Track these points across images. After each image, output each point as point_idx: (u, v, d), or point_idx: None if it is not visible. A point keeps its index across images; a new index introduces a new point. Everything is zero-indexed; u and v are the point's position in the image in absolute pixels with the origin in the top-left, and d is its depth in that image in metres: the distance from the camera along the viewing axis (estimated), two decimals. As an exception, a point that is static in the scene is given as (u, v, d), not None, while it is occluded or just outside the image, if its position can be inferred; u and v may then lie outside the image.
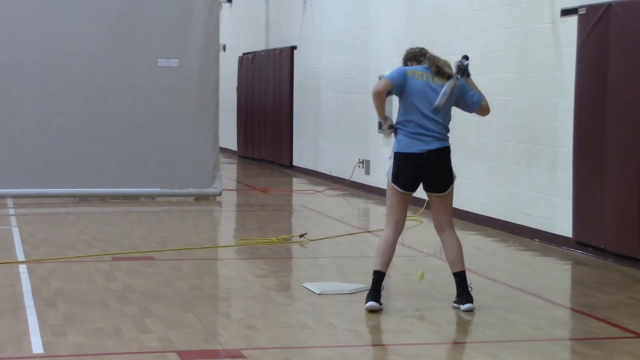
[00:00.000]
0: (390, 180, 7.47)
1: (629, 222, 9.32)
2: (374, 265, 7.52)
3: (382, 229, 11.34)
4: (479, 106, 7.61)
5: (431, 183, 7.48)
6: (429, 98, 7.41)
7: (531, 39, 11.10)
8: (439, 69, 7.45)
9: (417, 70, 7.48)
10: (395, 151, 7.47)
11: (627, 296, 8.16)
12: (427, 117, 7.40)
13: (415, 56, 7.69)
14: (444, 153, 7.45)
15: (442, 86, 7.40)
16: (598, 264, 9.62)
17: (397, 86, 7.43)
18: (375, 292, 7.40)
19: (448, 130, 7.52)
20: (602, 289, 8.46)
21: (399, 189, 7.44)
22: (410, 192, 7.51)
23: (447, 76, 7.43)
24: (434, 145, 7.41)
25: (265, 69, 21.31)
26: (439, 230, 7.62)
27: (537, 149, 10.99)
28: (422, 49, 7.74)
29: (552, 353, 6.44)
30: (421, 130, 7.40)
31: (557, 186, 10.62)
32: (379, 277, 7.44)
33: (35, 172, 14.05)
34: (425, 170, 7.42)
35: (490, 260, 9.83)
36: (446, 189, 7.47)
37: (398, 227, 7.55)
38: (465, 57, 7.55)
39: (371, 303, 7.37)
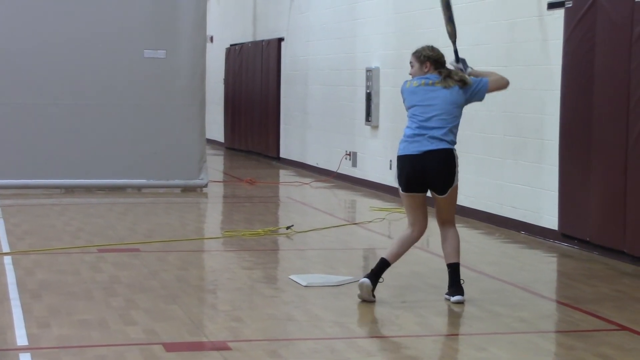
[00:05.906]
0: (397, 182, 7.62)
1: (614, 215, 9.34)
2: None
3: (369, 222, 11.48)
4: (486, 89, 7.65)
5: (431, 183, 7.52)
6: (427, 102, 7.49)
7: (518, 32, 11.10)
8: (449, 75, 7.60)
9: (414, 81, 7.61)
10: (397, 155, 7.61)
11: (612, 289, 8.18)
12: (424, 120, 7.47)
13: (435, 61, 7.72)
14: (443, 155, 7.46)
15: (439, 88, 7.50)
16: (583, 256, 9.64)
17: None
18: (373, 274, 7.46)
19: (452, 134, 7.52)
20: (588, 281, 8.48)
21: (401, 190, 7.56)
22: (415, 193, 7.53)
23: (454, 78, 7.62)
24: (432, 146, 7.44)
25: (252, 60, 21.27)
26: (440, 224, 7.67)
27: (523, 142, 11.00)
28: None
29: (537, 345, 6.45)
30: (418, 132, 7.47)
31: (543, 179, 10.64)
32: (382, 264, 7.49)
33: (21, 163, 13.98)
34: (425, 171, 7.46)
35: (476, 253, 9.84)
36: (445, 192, 7.50)
37: (414, 229, 7.55)
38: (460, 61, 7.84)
39: (364, 279, 7.43)
